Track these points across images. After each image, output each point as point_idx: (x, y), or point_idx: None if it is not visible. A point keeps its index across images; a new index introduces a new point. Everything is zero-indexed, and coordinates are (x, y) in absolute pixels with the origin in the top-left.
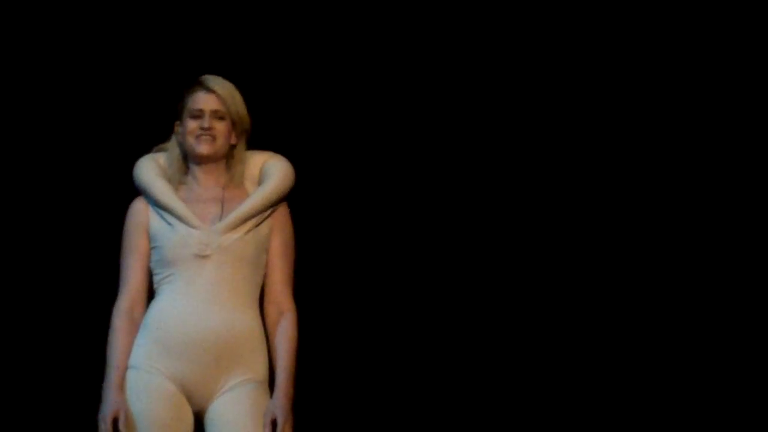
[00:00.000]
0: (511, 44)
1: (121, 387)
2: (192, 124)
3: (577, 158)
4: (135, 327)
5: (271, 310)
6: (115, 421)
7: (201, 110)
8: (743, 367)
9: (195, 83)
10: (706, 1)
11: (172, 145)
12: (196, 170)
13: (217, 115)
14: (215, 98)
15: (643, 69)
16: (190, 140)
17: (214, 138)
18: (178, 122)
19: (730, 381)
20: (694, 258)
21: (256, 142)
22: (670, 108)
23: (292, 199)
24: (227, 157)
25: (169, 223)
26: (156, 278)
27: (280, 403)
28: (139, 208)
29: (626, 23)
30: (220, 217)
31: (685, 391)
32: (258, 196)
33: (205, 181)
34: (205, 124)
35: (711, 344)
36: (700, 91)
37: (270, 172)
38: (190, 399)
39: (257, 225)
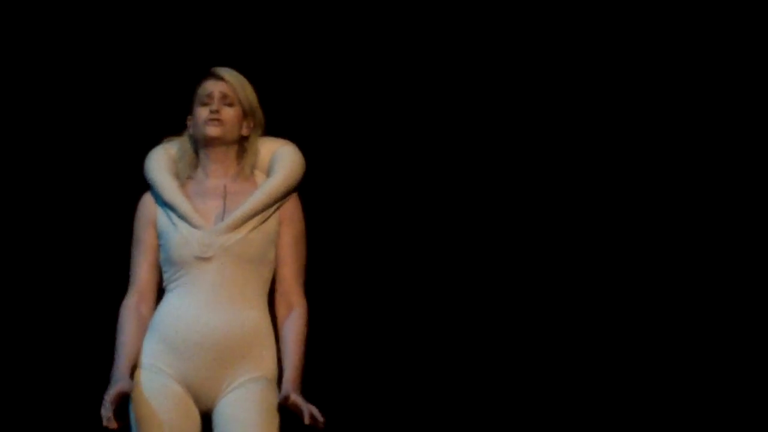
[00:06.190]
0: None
1: (128, 373)
2: (201, 110)
3: (584, 160)
4: (143, 322)
5: (281, 305)
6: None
7: (210, 96)
8: (743, 367)
9: (205, 74)
10: (706, 1)
11: (184, 139)
12: (206, 158)
13: (226, 101)
14: (224, 84)
15: (643, 69)
16: (199, 125)
17: (222, 122)
18: (190, 116)
19: (730, 381)
20: (694, 258)
21: (268, 132)
22: (669, 108)
23: (304, 188)
24: (238, 149)
25: (173, 223)
26: (164, 276)
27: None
28: (147, 202)
29: (626, 23)
30: (223, 214)
31: (685, 391)
32: (262, 193)
33: (214, 171)
34: (214, 107)
35: (711, 344)
36: (700, 91)
37: (278, 164)
38: (196, 399)
39: (263, 221)
